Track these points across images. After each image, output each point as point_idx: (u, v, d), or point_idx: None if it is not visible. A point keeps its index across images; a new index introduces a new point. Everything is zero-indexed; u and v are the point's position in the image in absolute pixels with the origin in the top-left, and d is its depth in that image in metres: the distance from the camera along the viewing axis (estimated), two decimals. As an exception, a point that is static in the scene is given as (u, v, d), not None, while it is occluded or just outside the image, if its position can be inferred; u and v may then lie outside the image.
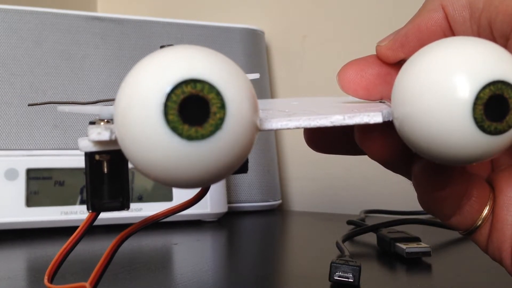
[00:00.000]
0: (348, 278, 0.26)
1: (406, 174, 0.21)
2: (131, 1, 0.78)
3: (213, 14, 0.69)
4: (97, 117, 0.19)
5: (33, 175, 0.44)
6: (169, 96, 0.15)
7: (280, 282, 0.30)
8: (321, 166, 0.62)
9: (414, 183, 0.21)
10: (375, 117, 0.17)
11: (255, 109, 0.16)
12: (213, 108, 0.15)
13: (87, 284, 0.19)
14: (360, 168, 0.58)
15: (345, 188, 0.60)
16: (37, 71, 0.49)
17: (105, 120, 0.18)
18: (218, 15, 0.68)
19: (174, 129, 0.15)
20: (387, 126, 0.18)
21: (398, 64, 0.21)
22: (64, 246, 0.20)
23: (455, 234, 0.40)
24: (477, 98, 0.15)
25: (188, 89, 0.15)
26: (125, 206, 0.19)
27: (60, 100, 0.49)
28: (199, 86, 0.15)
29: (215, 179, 0.16)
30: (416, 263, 0.31)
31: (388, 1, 0.57)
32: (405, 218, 0.42)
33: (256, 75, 0.23)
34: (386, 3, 0.57)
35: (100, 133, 0.17)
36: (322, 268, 0.27)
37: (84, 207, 0.44)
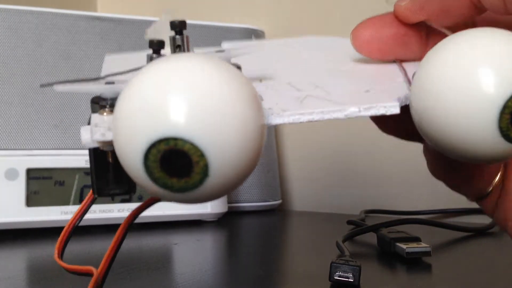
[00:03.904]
0: (348, 278, 0.26)
1: (420, 141, 0.21)
2: (131, 1, 0.78)
3: (213, 14, 0.69)
4: (101, 102, 0.19)
5: (33, 175, 0.44)
6: (146, 158, 0.14)
7: (280, 282, 0.30)
8: (321, 166, 0.62)
9: (425, 152, 0.21)
10: (392, 109, 0.17)
11: (252, 126, 0.15)
12: (194, 158, 0.14)
13: (93, 268, 0.19)
14: (360, 168, 0.58)
15: (345, 188, 0.60)
16: (37, 71, 0.49)
17: (108, 107, 0.18)
18: (218, 15, 0.68)
19: (163, 185, 0.15)
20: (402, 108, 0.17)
21: (416, 25, 0.20)
22: (70, 220, 0.21)
23: (455, 234, 0.40)
24: (505, 107, 0.15)
25: (162, 147, 0.14)
26: (131, 191, 0.19)
27: (60, 100, 0.49)
28: (171, 142, 0.14)
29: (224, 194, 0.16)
30: (416, 263, 0.31)
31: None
32: (405, 218, 0.42)
33: None
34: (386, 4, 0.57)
35: (104, 134, 0.17)
36: (322, 268, 0.27)
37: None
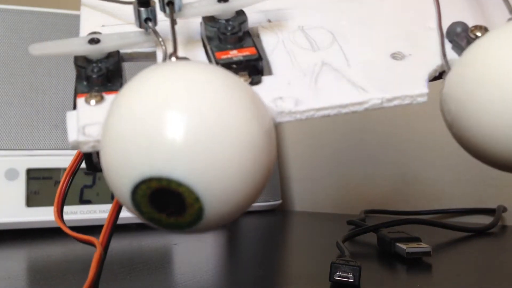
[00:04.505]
0: (348, 278, 0.26)
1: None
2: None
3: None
4: (87, 68, 0.18)
5: (33, 175, 0.44)
6: (134, 192, 0.13)
7: (280, 282, 0.30)
8: (321, 166, 0.62)
9: None
10: (419, 98, 0.16)
11: (258, 173, 0.14)
12: (188, 200, 0.13)
13: (95, 239, 0.19)
14: (360, 168, 0.58)
15: (345, 188, 0.60)
16: (37, 71, 0.49)
17: (95, 92, 0.17)
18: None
19: (151, 219, 0.14)
20: None
21: None
22: (64, 177, 0.20)
23: (455, 234, 0.40)
24: None
25: (153, 185, 0.13)
26: None
27: (60, 100, 0.49)
28: (164, 181, 0.13)
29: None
30: (416, 263, 0.31)
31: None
32: (405, 218, 0.42)
33: None
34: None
35: (94, 147, 0.16)
36: (322, 268, 0.27)
37: (84, 207, 0.44)
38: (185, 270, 0.32)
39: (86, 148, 0.16)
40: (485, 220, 0.45)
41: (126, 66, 0.21)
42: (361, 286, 0.26)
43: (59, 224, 0.20)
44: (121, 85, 0.19)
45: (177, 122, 0.13)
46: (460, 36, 0.19)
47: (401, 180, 0.55)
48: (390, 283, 0.29)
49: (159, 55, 0.19)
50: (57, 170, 0.45)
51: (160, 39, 0.18)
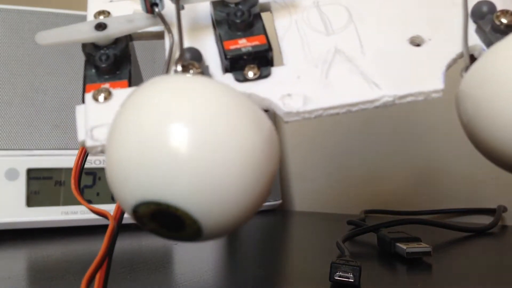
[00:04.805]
0: (349, 278, 0.26)
1: None
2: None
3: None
4: (96, 57, 0.18)
5: (33, 175, 0.44)
6: (135, 211, 0.14)
7: (280, 282, 0.30)
8: (321, 166, 0.62)
9: None
10: (433, 94, 0.15)
11: (257, 199, 0.14)
12: (187, 221, 0.13)
13: (108, 213, 0.19)
14: (360, 168, 0.58)
15: (345, 188, 0.60)
16: (37, 71, 0.49)
17: (104, 90, 0.17)
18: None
19: (153, 232, 0.14)
20: None
21: None
22: (79, 150, 0.20)
23: (455, 234, 0.40)
24: None
25: (153, 207, 0.13)
26: None
27: (60, 100, 0.49)
28: (163, 206, 0.13)
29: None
30: (416, 263, 0.31)
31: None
32: (405, 218, 0.42)
33: None
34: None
35: (103, 151, 0.16)
36: (322, 268, 0.27)
37: (84, 207, 0.44)
38: (185, 270, 0.32)
39: (94, 152, 0.16)
40: (485, 220, 0.45)
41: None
42: (361, 286, 0.26)
43: (76, 196, 0.20)
44: (129, 72, 0.19)
45: (175, 150, 0.13)
46: (486, 19, 0.18)
47: (401, 180, 0.55)
48: (390, 283, 0.29)
49: (167, 42, 0.19)
50: (57, 170, 0.45)
51: (167, 26, 0.18)
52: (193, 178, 0.13)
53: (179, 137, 0.13)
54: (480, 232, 0.41)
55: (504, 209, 0.47)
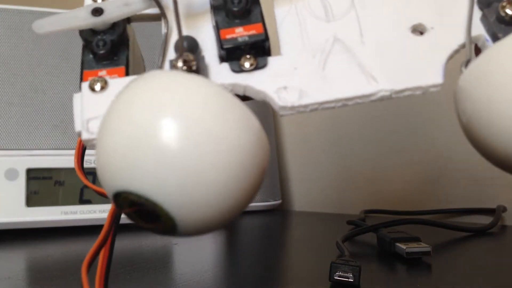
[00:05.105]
0: (348, 278, 0.26)
1: None
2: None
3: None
4: (94, 43, 0.18)
5: (33, 175, 0.44)
6: (116, 197, 0.14)
7: (280, 282, 0.30)
8: (321, 166, 0.62)
9: None
10: (432, 88, 0.15)
11: (242, 197, 0.13)
12: (161, 214, 0.14)
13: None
14: (360, 168, 0.58)
15: (345, 188, 0.60)
16: (37, 71, 0.49)
17: (101, 79, 0.17)
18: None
19: (133, 220, 0.15)
20: None
21: None
22: (79, 139, 0.20)
23: (455, 234, 0.40)
24: None
25: (130, 197, 0.14)
26: None
27: (60, 100, 0.49)
28: (136, 196, 0.13)
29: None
30: (416, 263, 0.31)
31: None
32: (405, 218, 0.42)
33: None
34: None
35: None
36: (322, 268, 0.27)
37: (83, 207, 0.44)
38: (185, 270, 0.32)
39: (90, 145, 0.17)
40: (485, 220, 0.45)
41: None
42: (361, 286, 0.26)
43: (79, 175, 0.20)
44: (127, 58, 0.19)
45: (160, 147, 0.13)
46: (492, 8, 0.17)
47: (401, 180, 0.55)
48: (390, 283, 0.29)
49: (163, 29, 0.19)
50: (57, 170, 0.45)
51: (162, 11, 0.18)
52: (176, 176, 0.13)
53: (165, 133, 0.13)
54: (479, 232, 0.41)
55: (504, 209, 0.47)
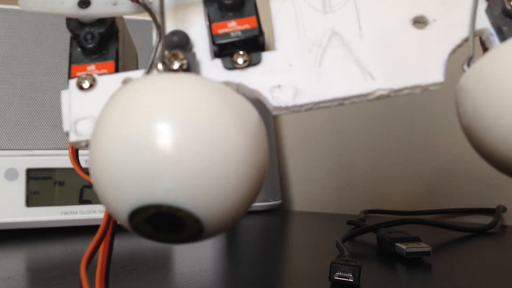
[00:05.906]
0: (348, 278, 0.26)
1: None
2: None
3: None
4: (82, 37, 0.17)
5: (33, 175, 0.44)
6: (132, 217, 0.13)
7: (280, 282, 0.30)
8: (321, 166, 0.62)
9: None
10: (431, 87, 0.15)
11: (252, 190, 0.13)
12: (188, 222, 0.13)
13: None
14: (360, 168, 0.58)
15: (345, 188, 0.60)
16: (37, 71, 0.49)
17: (88, 75, 0.17)
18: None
19: (149, 237, 0.14)
20: None
21: None
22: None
23: (455, 234, 0.40)
24: None
25: (152, 210, 0.13)
26: None
27: (60, 100, 0.49)
28: (164, 208, 0.13)
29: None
30: (416, 263, 0.31)
31: None
32: (405, 218, 0.42)
33: None
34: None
35: (87, 145, 0.16)
36: (322, 268, 0.27)
37: (83, 207, 0.44)
38: (185, 270, 0.32)
39: (78, 147, 0.16)
40: (485, 220, 0.45)
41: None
42: (361, 286, 0.26)
43: (73, 165, 0.19)
44: (116, 51, 0.18)
45: (165, 151, 0.12)
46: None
47: (401, 181, 0.55)
48: (390, 283, 0.29)
49: (154, 37, 0.18)
50: (57, 170, 0.45)
51: (155, 20, 0.17)
52: (194, 177, 0.12)
53: (169, 137, 0.12)
54: (479, 232, 0.41)
55: (504, 209, 0.47)
